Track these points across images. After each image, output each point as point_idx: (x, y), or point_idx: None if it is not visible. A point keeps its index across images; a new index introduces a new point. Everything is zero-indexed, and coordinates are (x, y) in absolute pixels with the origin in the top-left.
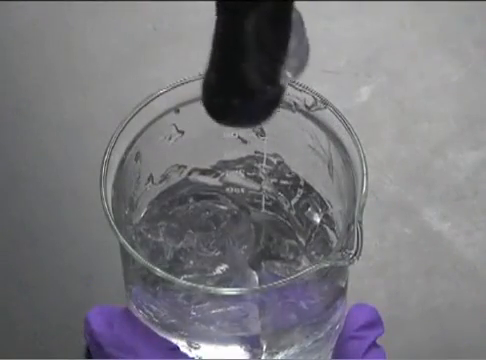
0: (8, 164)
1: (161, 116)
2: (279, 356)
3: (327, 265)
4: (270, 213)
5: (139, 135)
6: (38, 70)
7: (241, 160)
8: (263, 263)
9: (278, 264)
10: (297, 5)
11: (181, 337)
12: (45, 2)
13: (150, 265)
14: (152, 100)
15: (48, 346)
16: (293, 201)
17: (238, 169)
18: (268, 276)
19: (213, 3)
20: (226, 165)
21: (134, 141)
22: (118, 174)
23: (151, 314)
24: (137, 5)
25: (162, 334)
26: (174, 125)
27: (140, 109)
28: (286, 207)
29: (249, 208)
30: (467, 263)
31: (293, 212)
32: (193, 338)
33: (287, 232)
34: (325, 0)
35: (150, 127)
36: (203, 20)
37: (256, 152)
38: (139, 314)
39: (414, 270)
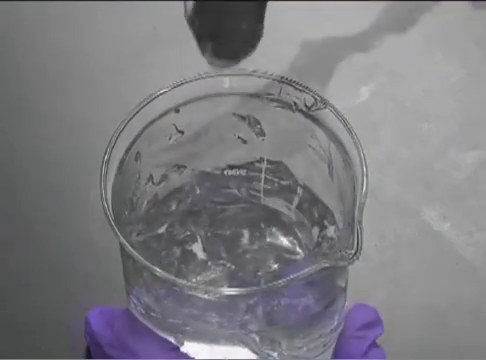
0: (8, 164)
1: (161, 116)
2: (277, 356)
3: (327, 265)
4: (270, 206)
5: (139, 135)
6: (39, 70)
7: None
8: (263, 261)
9: (276, 264)
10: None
11: (177, 335)
12: (46, 2)
13: (149, 265)
14: (152, 100)
15: (48, 346)
16: (294, 202)
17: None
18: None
19: None
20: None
21: (134, 141)
22: (118, 174)
23: (148, 311)
24: (137, 5)
25: (161, 332)
26: (174, 125)
27: (140, 109)
28: (286, 205)
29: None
30: (467, 263)
31: (293, 212)
32: (189, 336)
33: (287, 227)
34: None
35: (150, 127)
36: None
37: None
38: (138, 313)
39: (414, 270)
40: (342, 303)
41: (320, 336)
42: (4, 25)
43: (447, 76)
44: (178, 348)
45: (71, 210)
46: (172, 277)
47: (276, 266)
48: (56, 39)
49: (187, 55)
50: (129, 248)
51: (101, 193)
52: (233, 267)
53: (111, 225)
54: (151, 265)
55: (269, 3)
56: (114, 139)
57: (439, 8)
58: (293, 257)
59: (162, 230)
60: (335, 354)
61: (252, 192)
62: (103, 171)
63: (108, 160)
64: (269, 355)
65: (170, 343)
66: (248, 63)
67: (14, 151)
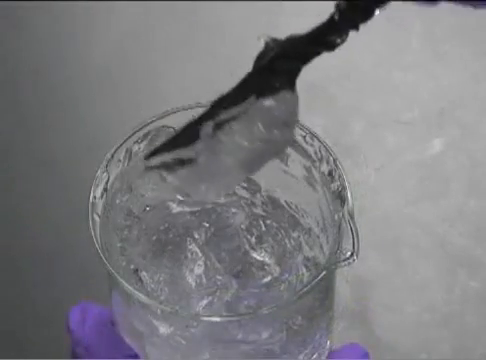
0: (8, 164)
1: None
2: None
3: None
4: (267, 209)
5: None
6: (39, 71)
7: None
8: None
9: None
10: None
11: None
12: (46, 4)
13: (134, 290)
14: (152, 122)
15: (47, 346)
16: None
17: None
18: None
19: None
20: None
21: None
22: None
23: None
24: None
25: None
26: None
27: (137, 130)
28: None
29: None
30: None
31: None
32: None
33: (289, 228)
34: None
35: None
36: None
37: None
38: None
39: (480, 323)
40: (326, 321)
41: (299, 353)
42: (5, 26)
43: None
44: (137, 356)
45: (71, 210)
46: (152, 301)
47: (277, 268)
48: (57, 41)
49: (186, 67)
50: (115, 275)
51: (91, 195)
52: (234, 269)
53: (98, 252)
54: (135, 291)
55: None
56: (116, 145)
57: None
58: (294, 259)
59: (162, 230)
60: None
61: (251, 192)
62: (98, 173)
63: (110, 158)
64: None
65: (130, 350)
66: None
67: (14, 151)
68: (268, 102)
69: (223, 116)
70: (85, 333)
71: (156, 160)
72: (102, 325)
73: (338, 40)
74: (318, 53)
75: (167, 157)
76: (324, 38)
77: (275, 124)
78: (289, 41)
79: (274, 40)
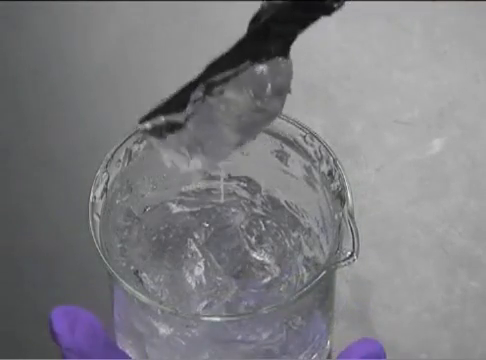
0: (7, 164)
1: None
2: None
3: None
4: (267, 209)
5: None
6: (38, 71)
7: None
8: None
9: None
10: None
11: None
12: (46, 3)
13: (134, 290)
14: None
15: (48, 347)
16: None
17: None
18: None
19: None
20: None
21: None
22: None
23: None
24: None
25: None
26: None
27: (137, 130)
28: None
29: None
30: None
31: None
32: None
33: (289, 228)
34: None
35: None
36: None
37: None
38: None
39: (480, 323)
40: (326, 322)
41: (299, 353)
42: (5, 26)
43: None
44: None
45: (71, 210)
46: (153, 302)
47: (277, 268)
48: (57, 41)
49: (184, 62)
50: (116, 276)
51: (91, 198)
52: (234, 269)
53: (98, 253)
54: (135, 291)
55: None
56: (116, 145)
57: None
58: (294, 259)
59: (162, 231)
60: None
61: (251, 192)
62: (102, 174)
63: (110, 158)
64: None
65: (127, 356)
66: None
67: (14, 151)
68: (260, 68)
69: (214, 79)
70: (78, 339)
71: (148, 124)
72: (91, 329)
73: (334, 4)
74: (314, 18)
75: (159, 121)
76: (319, 1)
77: (266, 91)
78: (285, 4)
79: (269, 2)
